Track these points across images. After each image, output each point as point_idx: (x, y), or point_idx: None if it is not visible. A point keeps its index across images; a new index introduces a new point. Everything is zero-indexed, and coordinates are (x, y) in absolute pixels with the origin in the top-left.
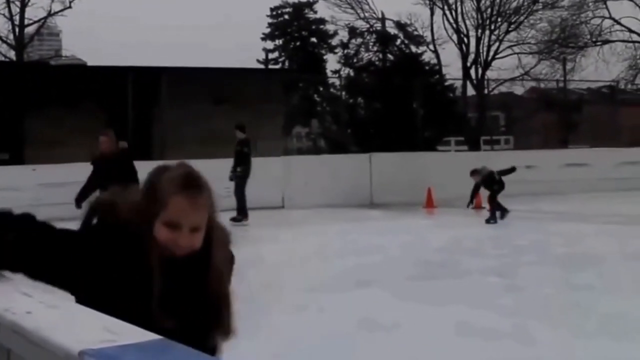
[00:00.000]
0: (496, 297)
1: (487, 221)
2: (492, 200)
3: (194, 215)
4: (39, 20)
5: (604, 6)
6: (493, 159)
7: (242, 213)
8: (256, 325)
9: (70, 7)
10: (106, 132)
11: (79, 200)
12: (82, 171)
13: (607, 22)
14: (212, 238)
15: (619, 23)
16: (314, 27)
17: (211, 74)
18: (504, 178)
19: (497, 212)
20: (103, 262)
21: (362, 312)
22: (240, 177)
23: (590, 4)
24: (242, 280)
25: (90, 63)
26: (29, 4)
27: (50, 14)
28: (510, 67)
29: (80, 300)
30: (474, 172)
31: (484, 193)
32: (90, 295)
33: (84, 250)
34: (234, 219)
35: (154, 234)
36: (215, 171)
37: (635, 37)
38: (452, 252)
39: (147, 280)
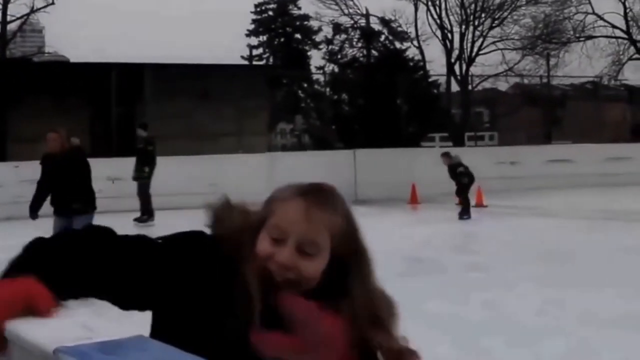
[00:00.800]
0: (478, 292)
1: (461, 217)
2: (463, 193)
3: (307, 227)
4: (22, 17)
5: (587, 2)
6: (477, 155)
7: (147, 213)
8: None
9: (53, 3)
10: (56, 130)
11: (34, 209)
12: None
13: (591, 18)
14: (351, 289)
15: (602, 18)
16: (298, 23)
17: (195, 70)
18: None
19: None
20: (188, 277)
21: None
22: (146, 177)
23: None
24: None
25: (73, 59)
26: (12, 0)
27: (33, 10)
28: (494, 63)
29: (158, 324)
30: (444, 155)
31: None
32: (173, 317)
33: (165, 264)
34: (138, 219)
35: (255, 247)
36: (199, 167)
37: (618, 33)
38: (436, 248)
39: (244, 302)
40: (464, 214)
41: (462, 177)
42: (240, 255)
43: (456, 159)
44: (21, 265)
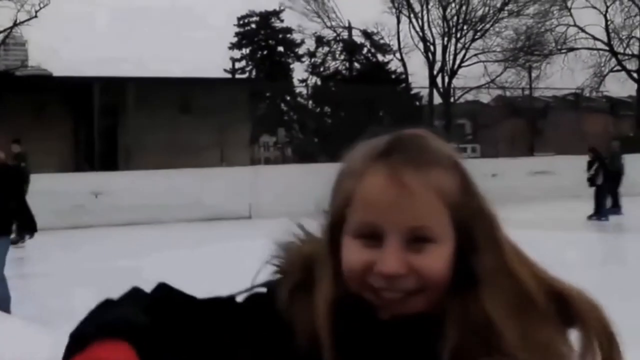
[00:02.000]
0: None
1: None
2: None
3: (407, 205)
4: (4, 30)
5: (569, 14)
6: None
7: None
8: None
9: (36, 16)
10: None
11: None
12: (50, 181)
13: (572, 30)
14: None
15: (583, 31)
16: (280, 36)
17: (177, 84)
18: None
19: None
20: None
21: None
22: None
23: (555, 11)
24: (205, 289)
25: (56, 73)
26: None
27: (16, 24)
28: (476, 75)
29: None
30: None
31: None
32: None
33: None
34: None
35: (334, 266)
36: (182, 181)
37: (599, 45)
38: None
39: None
40: None
41: None
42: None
43: None
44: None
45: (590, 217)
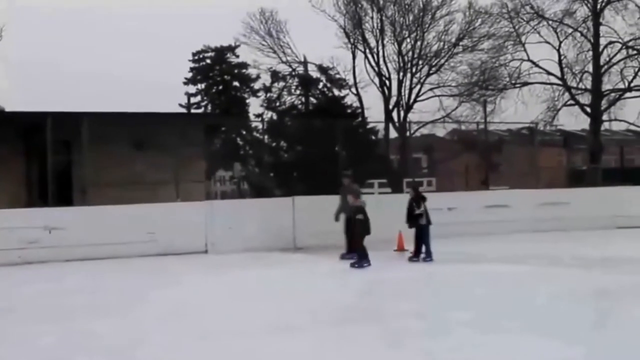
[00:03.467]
0: (419, 340)
1: (352, 265)
2: (358, 238)
3: None
4: None
5: (522, 49)
6: None
7: None
8: None
9: None
10: None
11: None
12: (5, 216)
13: (526, 65)
14: None
15: (537, 65)
16: (236, 71)
17: (132, 119)
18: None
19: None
20: None
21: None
22: None
23: (509, 46)
24: (162, 325)
25: (8, 108)
26: None
27: None
28: (432, 110)
29: None
30: (353, 193)
31: (406, 233)
32: None
33: None
34: None
35: None
36: (137, 216)
37: (553, 79)
38: (372, 295)
39: None
40: (359, 261)
41: (358, 223)
42: None
43: (362, 203)
44: None
45: (411, 259)
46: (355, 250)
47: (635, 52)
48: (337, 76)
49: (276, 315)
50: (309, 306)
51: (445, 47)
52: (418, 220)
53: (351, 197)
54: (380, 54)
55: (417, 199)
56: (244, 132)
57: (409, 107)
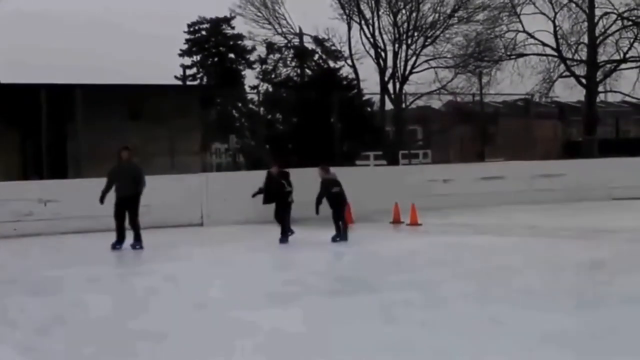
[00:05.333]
0: (414, 312)
1: (334, 239)
2: (338, 215)
3: None
4: None
5: (518, 20)
6: (412, 173)
7: None
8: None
9: None
10: None
11: None
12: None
13: (521, 36)
14: None
15: (532, 37)
16: (231, 42)
17: (127, 90)
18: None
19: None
20: None
21: (274, 326)
22: None
23: (505, 18)
24: (161, 299)
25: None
26: None
27: None
28: (427, 81)
29: None
30: (322, 167)
31: (403, 205)
32: None
33: None
34: None
35: None
36: None
37: (548, 51)
38: (369, 267)
39: None
40: (337, 236)
41: (335, 198)
42: None
43: (332, 176)
44: None
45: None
46: (336, 225)
47: (630, 23)
48: (333, 48)
49: (271, 286)
50: (303, 277)
51: (441, 18)
52: (288, 198)
53: (321, 170)
54: (376, 25)
55: (285, 177)
56: (240, 104)
57: (404, 79)
